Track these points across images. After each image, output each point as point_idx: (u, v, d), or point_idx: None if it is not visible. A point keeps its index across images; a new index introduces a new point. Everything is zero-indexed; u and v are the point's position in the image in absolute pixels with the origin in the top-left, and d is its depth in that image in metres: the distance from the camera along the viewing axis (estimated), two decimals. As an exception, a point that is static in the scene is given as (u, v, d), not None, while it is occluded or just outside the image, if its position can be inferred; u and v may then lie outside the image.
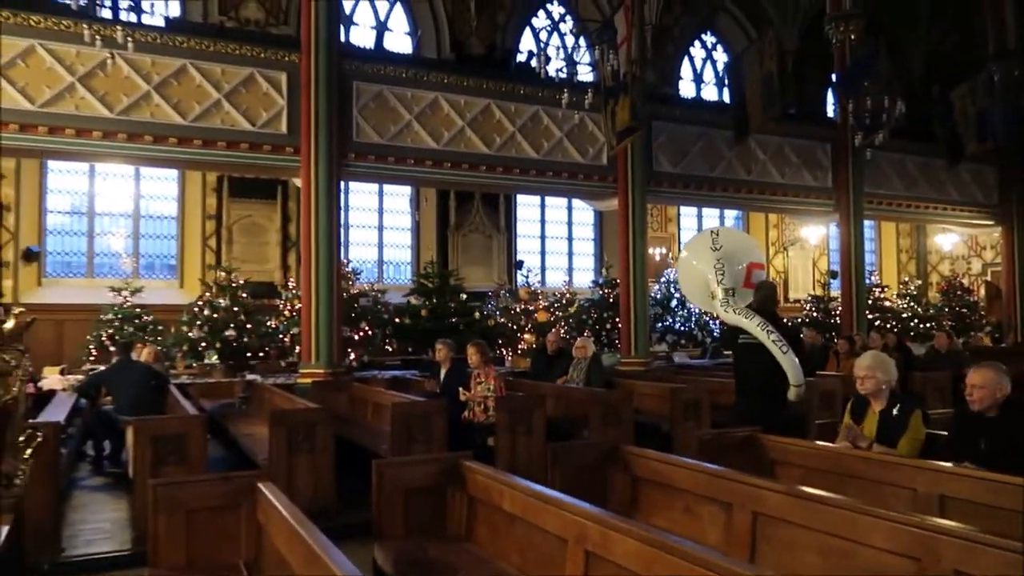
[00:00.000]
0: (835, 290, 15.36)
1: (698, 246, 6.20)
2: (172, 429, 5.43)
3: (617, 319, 11.59)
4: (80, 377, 8.92)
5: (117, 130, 8.26)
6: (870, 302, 14.65)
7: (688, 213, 18.17)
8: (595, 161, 11.05)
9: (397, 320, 11.17)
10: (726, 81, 17.82)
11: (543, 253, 16.58)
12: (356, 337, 10.21)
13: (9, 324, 6.37)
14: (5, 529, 2.80)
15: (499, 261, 15.36)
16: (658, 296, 14.11)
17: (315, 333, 8.69)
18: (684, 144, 11.79)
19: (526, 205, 16.44)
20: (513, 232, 15.86)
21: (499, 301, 12.73)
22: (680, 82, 18.43)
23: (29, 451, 3.50)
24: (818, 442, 4.21)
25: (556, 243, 16.87)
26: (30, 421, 5.73)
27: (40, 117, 7.93)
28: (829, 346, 10.69)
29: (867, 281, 14.35)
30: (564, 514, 2.75)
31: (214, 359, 9.59)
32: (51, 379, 9.81)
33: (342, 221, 13.64)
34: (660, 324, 13.78)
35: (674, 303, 13.99)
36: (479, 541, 3.46)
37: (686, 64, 18.87)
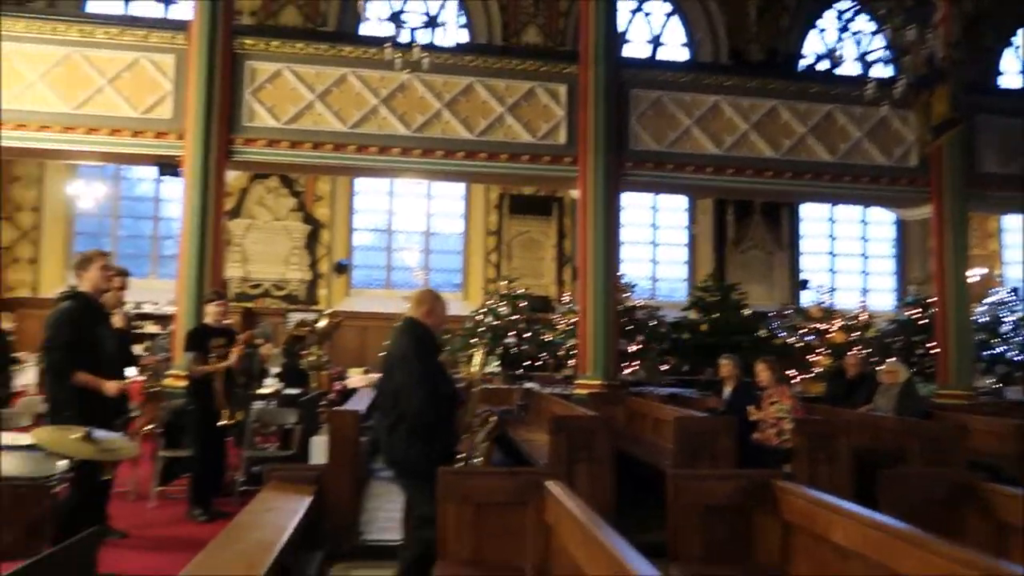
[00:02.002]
0: None
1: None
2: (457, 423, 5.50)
3: (930, 344, 10.02)
4: (378, 373, 9.64)
5: (413, 146, 8.84)
6: None
7: (1013, 227, 15.46)
8: (902, 163, 9.71)
9: (675, 336, 10.69)
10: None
11: (832, 271, 15.05)
12: (631, 350, 9.92)
13: (322, 323, 6.89)
14: (307, 503, 2.84)
15: (781, 280, 14.21)
16: (983, 319, 12.01)
17: (592, 344, 8.53)
18: (1016, 141, 9.93)
19: (810, 219, 15.09)
20: (797, 248, 14.62)
21: (785, 320, 11.69)
22: (999, 77, 15.85)
23: (484, 432, 3.74)
24: None
25: (847, 261, 15.24)
26: (335, 408, 6.16)
27: (351, 137, 8.73)
28: None
29: None
30: (936, 559, 2.13)
31: (495, 365, 9.86)
32: (355, 379, 10.77)
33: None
34: (986, 352, 11.71)
35: (1005, 328, 11.83)
36: (797, 577, 2.90)
37: (1008, 56, 16.18)
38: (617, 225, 9.12)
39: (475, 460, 3.65)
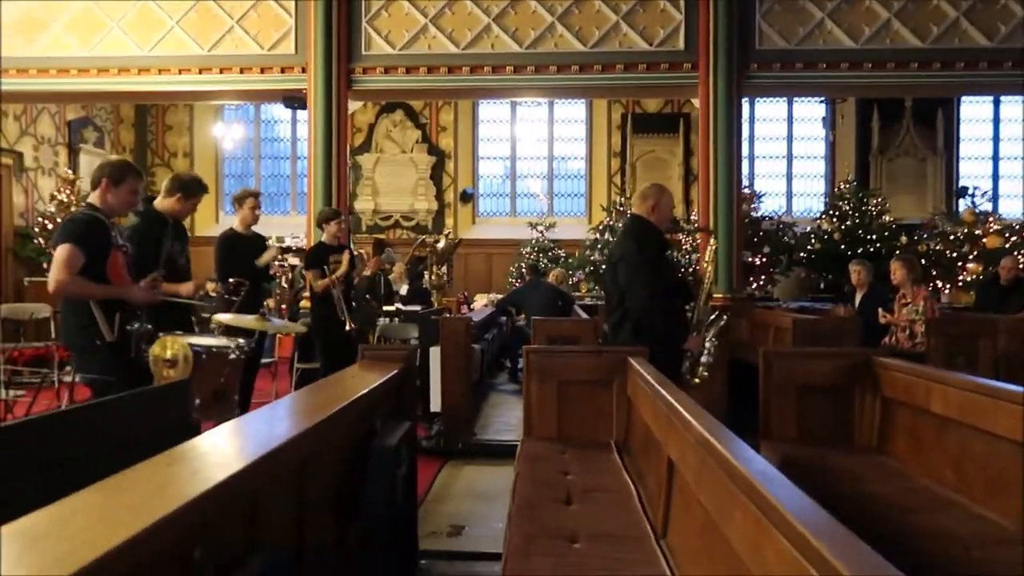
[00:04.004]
0: None
1: None
2: (567, 331, 5.56)
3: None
4: (501, 296, 9.87)
5: (526, 63, 8.74)
6: None
7: None
8: (1078, 43, 8.53)
9: (808, 248, 10.10)
10: None
11: (995, 177, 13.60)
12: (757, 263, 9.52)
13: (441, 243, 7.10)
14: (390, 374, 2.98)
15: (935, 189, 13.04)
16: None
17: (713, 256, 8.26)
18: None
19: (971, 121, 13.65)
20: (954, 153, 13.31)
21: (934, 228, 10.77)
22: None
23: (713, 331, 3.82)
24: None
25: (1013, 165, 13.71)
26: (447, 316, 6.35)
27: (464, 59, 8.75)
28: None
29: None
30: (1026, 409, 1.95)
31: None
32: (480, 302, 11.07)
33: (746, 152, 12.91)
34: None
35: None
36: (896, 453, 2.75)
37: None
38: (740, 132, 8.68)
39: (703, 358, 3.64)
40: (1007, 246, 9.45)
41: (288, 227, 12.76)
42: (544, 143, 14.22)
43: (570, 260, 11.54)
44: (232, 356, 3.28)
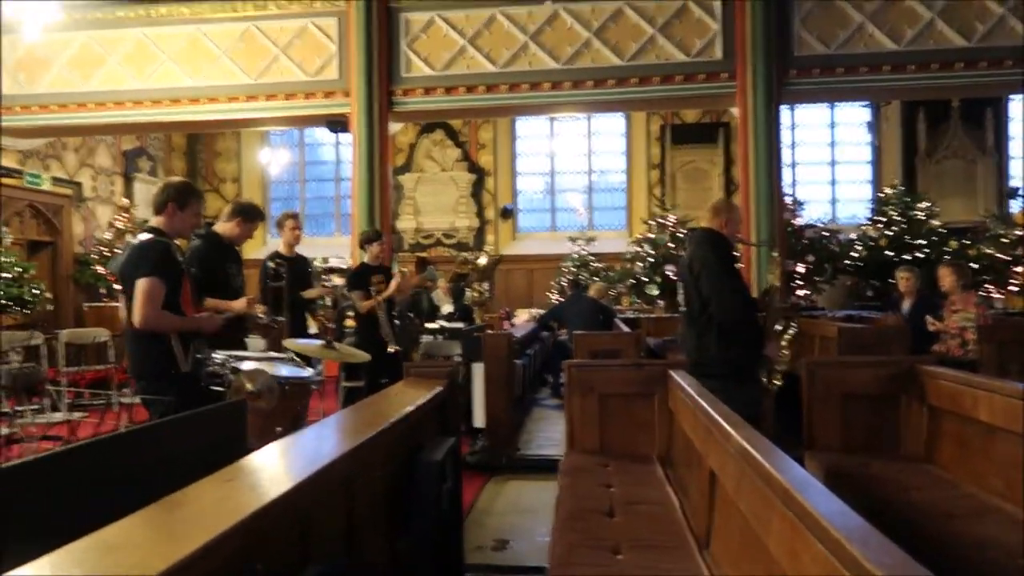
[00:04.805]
0: None
1: None
2: (608, 344, 5.58)
3: None
4: (542, 311, 9.91)
5: (563, 79, 8.81)
6: None
7: None
8: None
9: (853, 255, 9.93)
10: None
11: (1050, 177, 13.23)
12: (801, 272, 9.39)
13: (482, 260, 7.24)
14: (435, 392, 3.04)
15: (985, 190, 12.72)
16: None
17: (754, 265, 8.19)
18: None
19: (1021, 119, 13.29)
20: (1004, 153, 12.98)
21: (986, 232, 10.51)
22: None
23: (787, 338, 3.80)
24: None
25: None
26: (490, 332, 6.41)
27: (502, 77, 8.87)
28: None
29: None
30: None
31: (654, 292, 9.75)
32: (521, 318, 11.13)
33: (788, 159, 12.77)
34: None
35: None
36: (942, 462, 2.71)
37: None
38: (780, 140, 8.61)
39: (777, 366, 3.71)
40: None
41: (333, 248, 13.03)
42: (583, 157, 14.28)
43: (611, 274, 11.53)
44: (313, 387, 3.50)
